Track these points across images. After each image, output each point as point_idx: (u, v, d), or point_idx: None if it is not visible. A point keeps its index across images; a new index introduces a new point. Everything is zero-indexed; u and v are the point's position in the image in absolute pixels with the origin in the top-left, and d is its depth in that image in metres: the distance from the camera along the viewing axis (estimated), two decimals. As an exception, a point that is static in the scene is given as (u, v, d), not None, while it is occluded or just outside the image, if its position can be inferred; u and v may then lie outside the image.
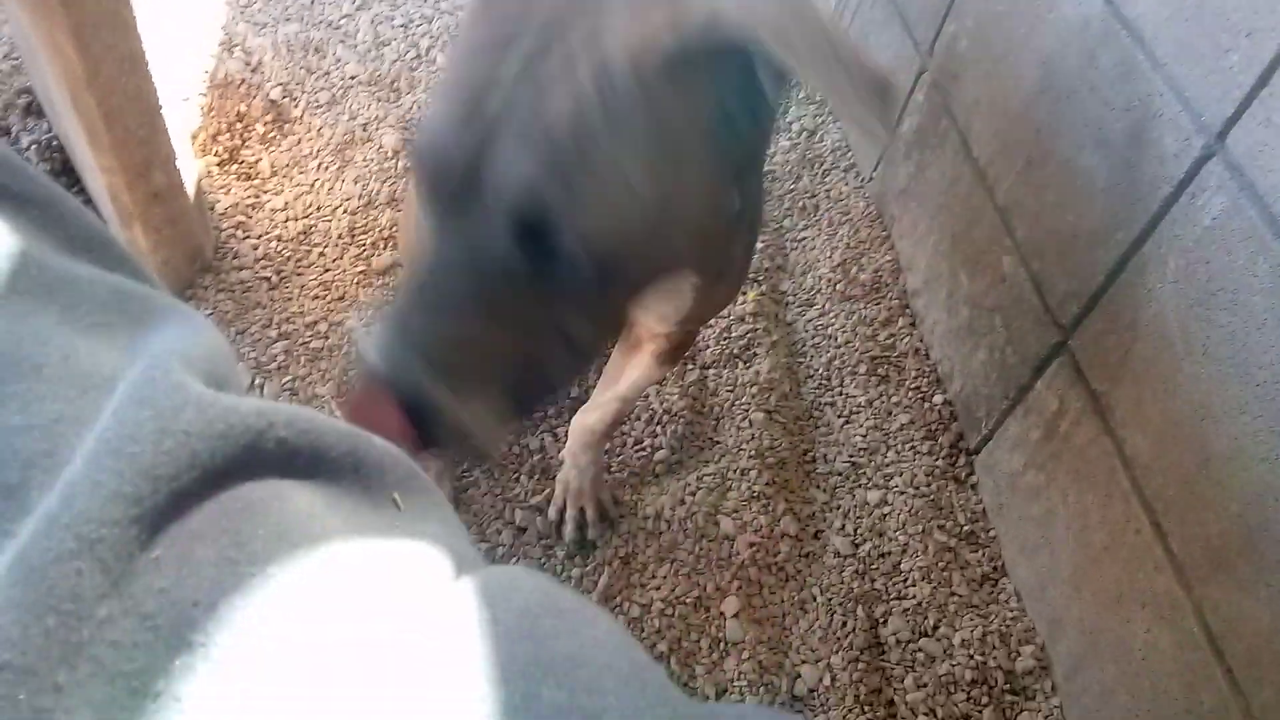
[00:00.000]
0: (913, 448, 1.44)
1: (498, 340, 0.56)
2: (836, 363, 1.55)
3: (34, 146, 1.41)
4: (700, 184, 0.57)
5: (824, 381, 1.53)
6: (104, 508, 0.19)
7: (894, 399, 1.51)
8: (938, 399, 1.50)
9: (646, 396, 1.43)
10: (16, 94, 1.48)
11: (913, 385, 1.52)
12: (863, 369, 1.54)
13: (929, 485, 1.40)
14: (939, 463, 1.43)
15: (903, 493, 1.39)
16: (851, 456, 1.43)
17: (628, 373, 1.12)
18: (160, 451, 0.21)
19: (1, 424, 0.22)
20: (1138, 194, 1.08)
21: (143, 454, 0.20)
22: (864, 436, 1.46)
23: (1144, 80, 1.07)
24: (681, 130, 0.54)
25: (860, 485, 1.40)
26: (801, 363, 1.55)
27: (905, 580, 1.30)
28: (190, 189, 1.30)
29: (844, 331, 1.59)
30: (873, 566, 1.31)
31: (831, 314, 1.62)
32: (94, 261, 0.34)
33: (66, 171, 1.41)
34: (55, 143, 1.42)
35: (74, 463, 0.21)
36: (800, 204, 1.79)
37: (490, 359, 0.56)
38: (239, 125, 1.59)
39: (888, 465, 1.42)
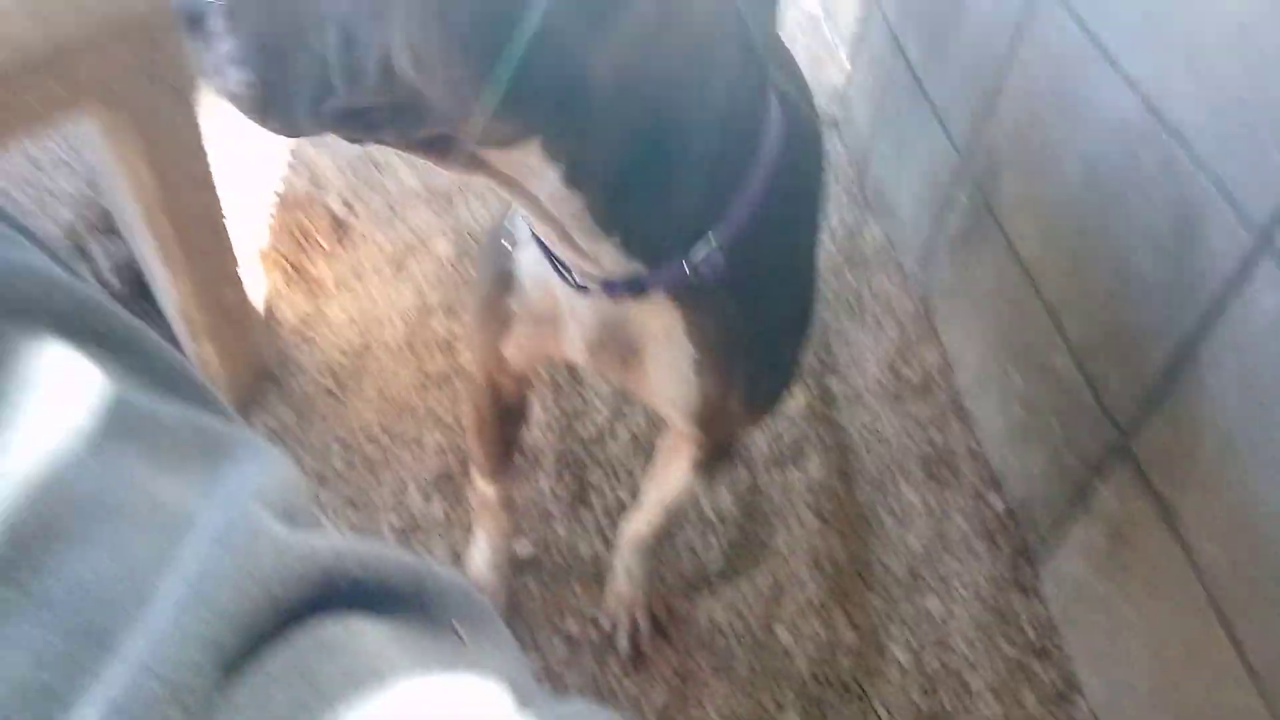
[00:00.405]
0: (973, 553, 1.41)
1: (283, 7, 0.58)
2: (889, 464, 1.54)
3: (110, 265, 1.49)
4: None
5: (877, 483, 1.51)
6: (188, 653, 0.20)
7: (951, 501, 1.48)
8: (996, 502, 1.47)
9: (697, 501, 1.43)
10: (96, 216, 1.57)
11: (970, 487, 1.49)
12: (917, 470, 1.52)
13: (992, 593, 1.36)
14: (1002, 569, 1.39)
15: (965, 601, 1.35)
16: (910, 562, 1.40)
17: (669, 479, 1.11)
18: (241, 596, 0.22)
19: (91, 567, 0.23)
20: (1189, 292, 1.07)
21: (224, 599, 0.21)
22: (922, 541, 1.43)
23: (1188, 179, 1.07)
24: None
25: (920, 592, 1.37)
26: (854, 464, 1.54)
27: (974, 697, 1.26)
28: (257, 303, 1.36)
29: (895, 431, 1.58)
30: (939, 682, 1.27)
31: (882, 414, 1.61)
32: (175, 396, 0.36)
33: (141, 288, 1.48)
34: (131, 262, 1.50)
35: (158, 606, 0.22)
36: (845, 302, 1.80)
37: (266, 19, 0.58)
38: (303, 239, 1.67)
39: (948, 571, 1.39)
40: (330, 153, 1.86)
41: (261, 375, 1.44)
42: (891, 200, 1.92)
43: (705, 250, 0.70)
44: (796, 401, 1.58)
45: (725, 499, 1.44)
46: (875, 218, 1.98)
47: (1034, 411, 1.40)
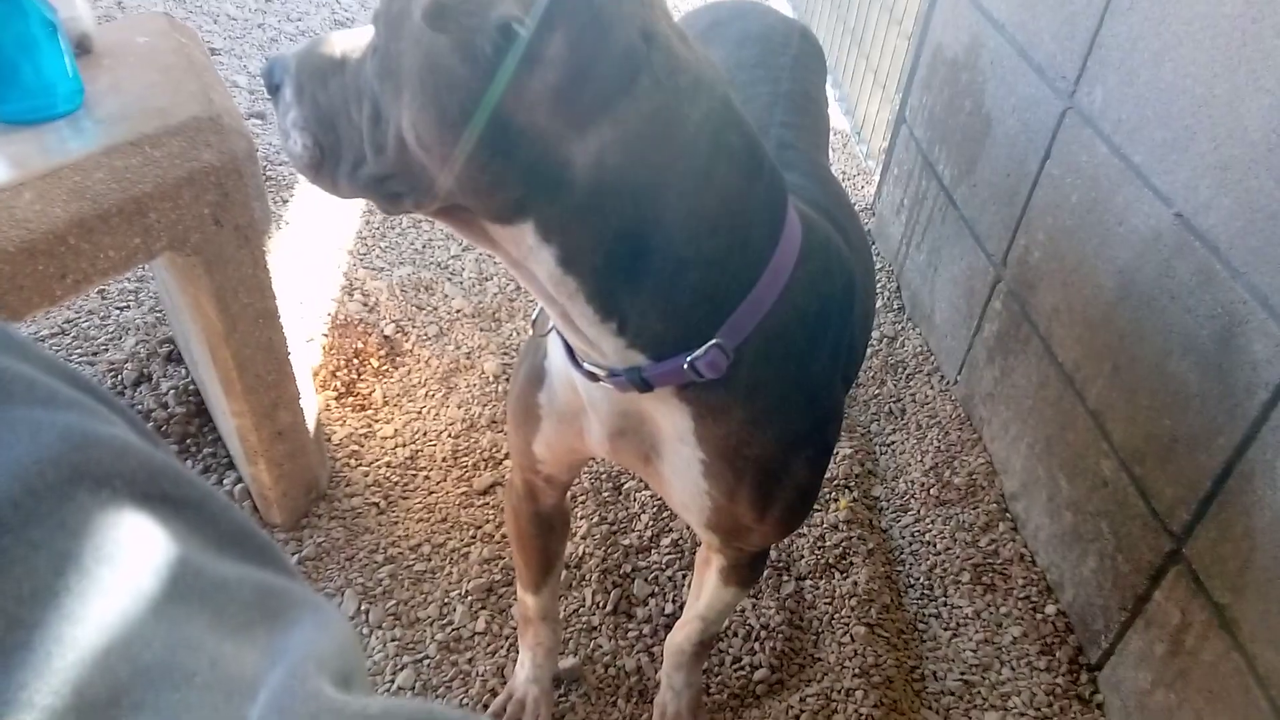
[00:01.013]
0: (1029, 663, 1.37)
1: (332, 82, 0.72)
2: (938, 571, 1.51)
3: (172, 391, 1.55)
4: (446, 50, 0.62)
5: (926, 591, 1.49)
6: None
7: (1003, 609, 1.45)
8: (1050, 609, 1.44)
9: (742, 611, 1.42)
10: (159, 343, 1.64)
11: (1021, 594, 1.46)
12: (966, 577, 1.50)
13: (1050, 705, 1.32)
14: (1059, 680, 1.35)
15: (1022, 714, 1.31)
16: (963, 673, 1.37)
17: (703, 591, 1.10)
18: None
19: None
20: (1234, 399, 1.07)
21: None
22: (975, 651, 1.39)
23: (1225, 288, 1.08)
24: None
25: (976, 706, 1.33)
26: (901, 571, 1.52)
27: (1035, 816, 1.21)
28: (310, 424, 1.40)
29: (943, 538, 1.56)
30: (997, 800, 1.22)
31: (928, 519, 1.59)
32: (239, 554, 0.39)
33: (200, 413, 1.53)
34: (192, 387, 1.56)
35: None
36: (886, 408, 1.81)
37: (320, 87, 0.72)
38: (356, 360, 1.72)
39: (1003, 683, 1.35)
40: (386, 278, 1.93)
41: (313, 493, 1.47)
42: (928, 308, 1.94)
43: (707, 351, 0.71)
44: (840, 509, 1.57)
45: (770, 608, 1.42)
46: (913, 325, 2.00)
47: (1084, 517, 1.38)
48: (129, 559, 0.33)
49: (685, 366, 0.71)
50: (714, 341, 0.71)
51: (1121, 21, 1.28)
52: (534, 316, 0.89)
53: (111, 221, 0.99)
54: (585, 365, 0.77)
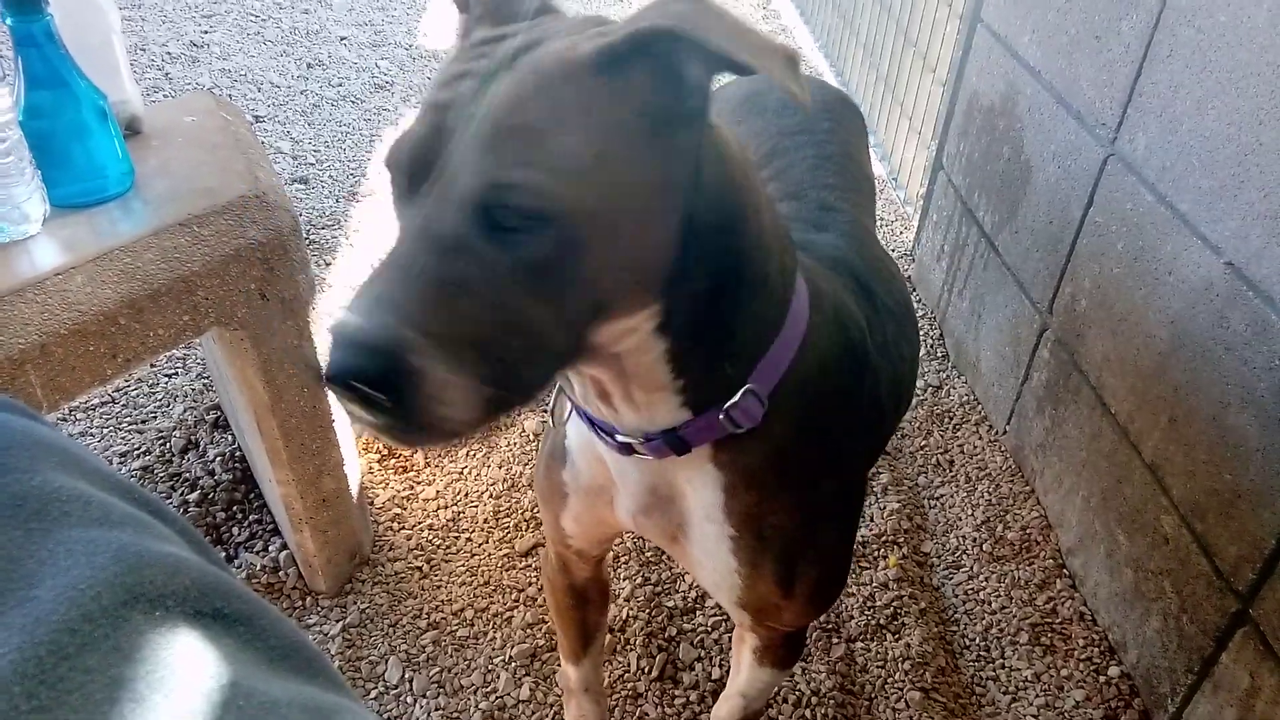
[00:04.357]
0: (1092, 729, 1.32)
1: (466, 313, 0.56)
2: (994, 631, 1.47)
3: (219, 458, 1.57)
4: (642, 160, 0.59)
5: (983, 653, 1.44)
6: None
7: (1064, 671, 1.40)
8: (1114, 671, 1.38)
9: (792, 676, 1.38)
10: (206, 410, 1.67)
11: (1083, 655, 1.41)
12: (1024, 638, 1.45)
13: (1117, 774, 1.26)
14: (1125, 747, 1.29)
15: (1088, 784, 1.26)
16: (1024, 740, 1.32)
17: (740, 670, 1.08)
18: None
19: None
20: (1299, 454, 1.03)
21: None
22: (1036, 716, 1.34)
23: (1282, 340, 1.05)
24: (611, 111, 0.58)
25: (1038, 775, 1.28)
26: (955, 632, 1.48)
27: None
28: (354, 489, 1.41)
29: (998, 596, 1.52)
30: None
31: (981, 576, 1.55)
32: (290, 669, 0.38)
33: (246, 479, 1.55)
34: (238, 454, 1.58)
35: None
36: (934, 460, 1.77)
37: (462, 322, 0.56)
38: (396, 422, 1.73)
39: (1066, 750, 1.30)
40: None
41: (357, 559, 1.47)
42: (973, 357, 1.91)
43: (741, 397, 0.72)
44: (889, 567, 1.54)
45: (820, 672, 1.39)
46: (958, 373, 1.97)
47: (1145, 575, 1.33)
48: (182, 683, 0.32)
49: (721, 417, 0.72)
50: (748, 387, 0.72)
51: (1161, 69, 1.27)
52: (550, 406, 0.88)
53: (161, 301, 1.02)
54: (618, 437, 0.76)
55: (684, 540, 0.86)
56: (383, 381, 0.53)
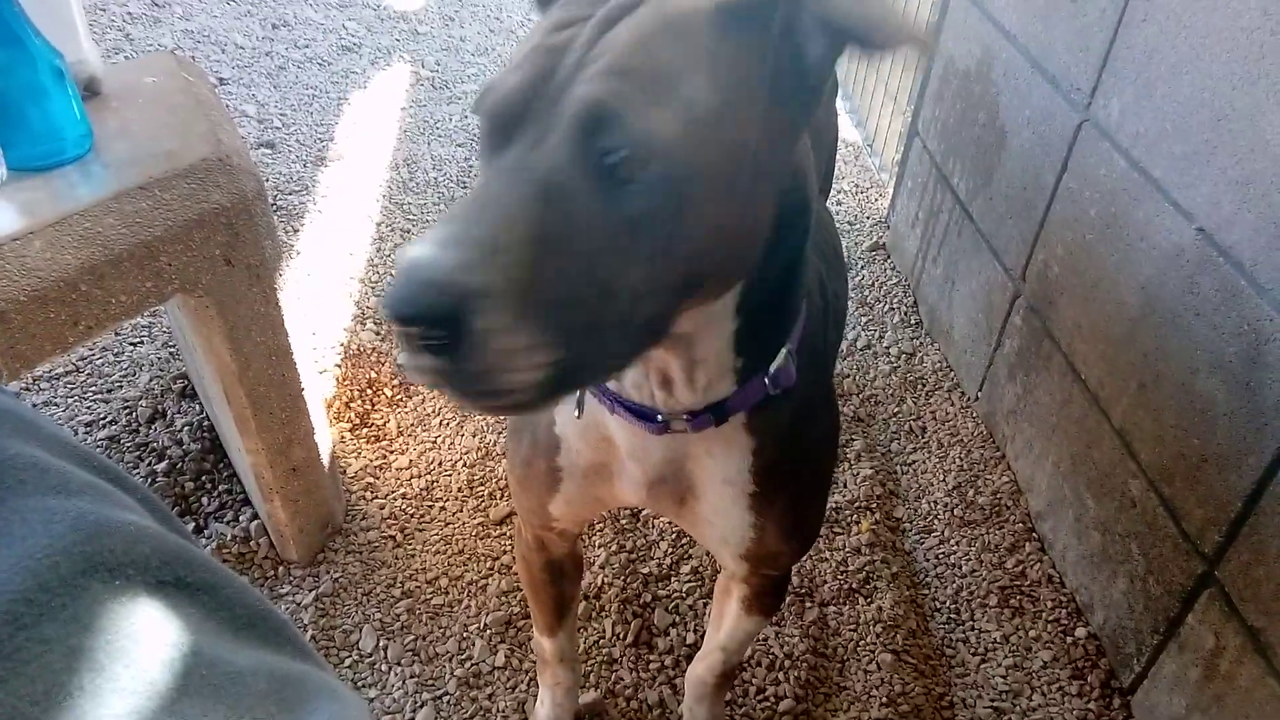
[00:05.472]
0: (1060, 689, 1.34)
1: (551, 266, 0.50)
2: (964, 594, 1.49)
3: (187, 427, 1.55)
4: (757, 127, 0.57)
5: (953, 615, 1.46)
6: None
7: (1032, 633, 1.42)
8: (1081, 633, 1.41)
9: (765, 639, 1.40)
10: (173, 379, 1.64)
11: (1051, 617, 1.44)
12: (993, 600, 1.47)
13: (1083, 732, 1.29)
14: (1091, 706, 1.32)
15: (1054, 742, 1.28)
16: (993, 700, 1.34)
17: (723, 622, 1.09)
18: None
19: None
20: (1264, 418, 1.05)
21: None
22: (1004, 677, 1.37)
23: (1251, 305, 1.06)
24: (734, 69, 0.55)
25: (1006, 734, 1.30)
26: (926, 595, 1.50)
27: None
28: (325, 458, 1.39)
29: (968, 560, 1.54)
30: (1032, 832, 1.20)
31: (953, 541, 1.57)
32: (255, 639, 0.38)
33: (215, 449, 1.53)
34: (206, 423, 1.55)
35: None
36: (906, 427, 1.78)
37: (547, 276, 0.50)
38: (369, 391, 1.71)
39: (1034, 709, 1.33)
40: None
41: (329, 528, 1.46)
42: (946, 324, 1.92)
43: (782, 361, 0.73)
44: (862, 531, 1.55)
45: (793, 636, 1.40)
46: (931, 340, 1.98)
47: (1113, 538, 1.35)
48: (143, 653, 0.32)
49: (767, 381, 0.73)
50: (787, 348, 0.73)
51: (1137, 33, 1.27)
52: (578, 399, 0.82)
53: (123, 266, 0.99)
54: (659, 418, 0.75)
55: (693, 502, 0.86)
56: (443, 324, 0.47)
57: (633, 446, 0.82)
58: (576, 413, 0.83)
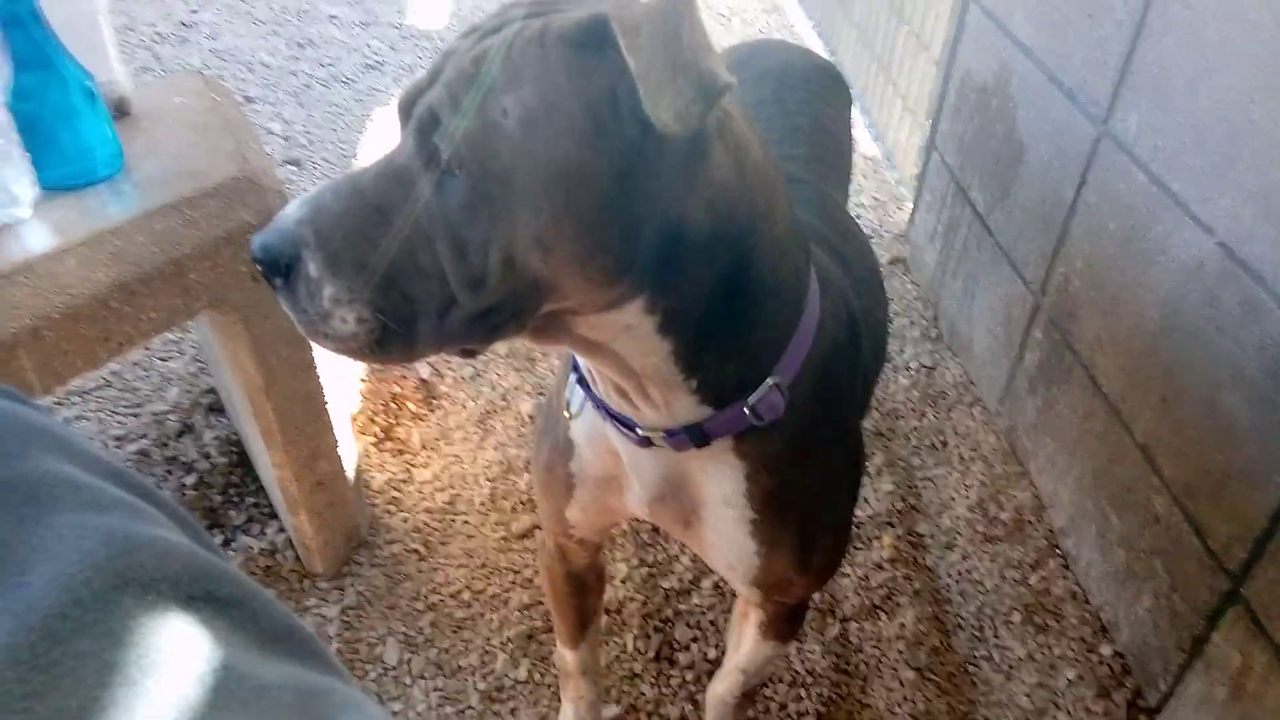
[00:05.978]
0: (1085, 708, 1.33)
1: (375, 235, 0.59)
2: (988, 611, 1.48)
3: (215, 441, 1.57)
4: (600, 148, 0.58)
5: (976, 632, 1.45)
6: None
7: (1057, 651, 1.41)
8: (1106, 650, 1.39)
9: (787, 656, 1.39)
10: (202, 393, 1.67)
11: (1075, 635, 1.42)
12: (1017, 617, 1.46)
13: (1108, 751, 1.28)
14: (1116, 724, 1.31)
15: (1079, 760, 1.27)
16: (1018, 719, 1.33)
17: (742, 645, 1.09)
18: None
19: None
20: (1290, 434, 1.04)
21: None
22: (1029, 695, 1.36)
23: (1273, 320, 1.05)
24: (562, 93, 0.58)
25: (1030, 752, 1.29)
26: (949, 611, 1.49)
27: None
28: (350, 471, 1.41)
29: (991, 576, 1.53)
30: None
31: (975, 557, 1.56)
32: (282, 653, 0.38)
33: (242, 462, 1.55)
34: (234, 437, 1.58)
35: None
36: (927, 441, 1.78)
37: (364, 243, 0.59)
38: (393, 405, 1.73)
39: (1058, 727, 1.31)
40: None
41: (354, 541, 1.47)
42: (967, 337, 1.91)
43: (765, 391, 0.72)
44: (884, 547, 1.55)
45: (815, 653, 1.40)
46: (952, 354, 1.97)
47: (1136, 554, 1.34)
48: (173, 667, 0.33)
49: (746, 411, 0.72)
50: (771, 380, 0.72)
51: (1153, 47, 1.26)
52: (566, 400, 0.86)
53: (153, 284, 1.01)
54: (639, 431, 0.76)
55: (698, 524, 0.86)
56: (277, 267, 0.59)
57: (630, 459, 0.83)
58: (568, 412, 0.85)
